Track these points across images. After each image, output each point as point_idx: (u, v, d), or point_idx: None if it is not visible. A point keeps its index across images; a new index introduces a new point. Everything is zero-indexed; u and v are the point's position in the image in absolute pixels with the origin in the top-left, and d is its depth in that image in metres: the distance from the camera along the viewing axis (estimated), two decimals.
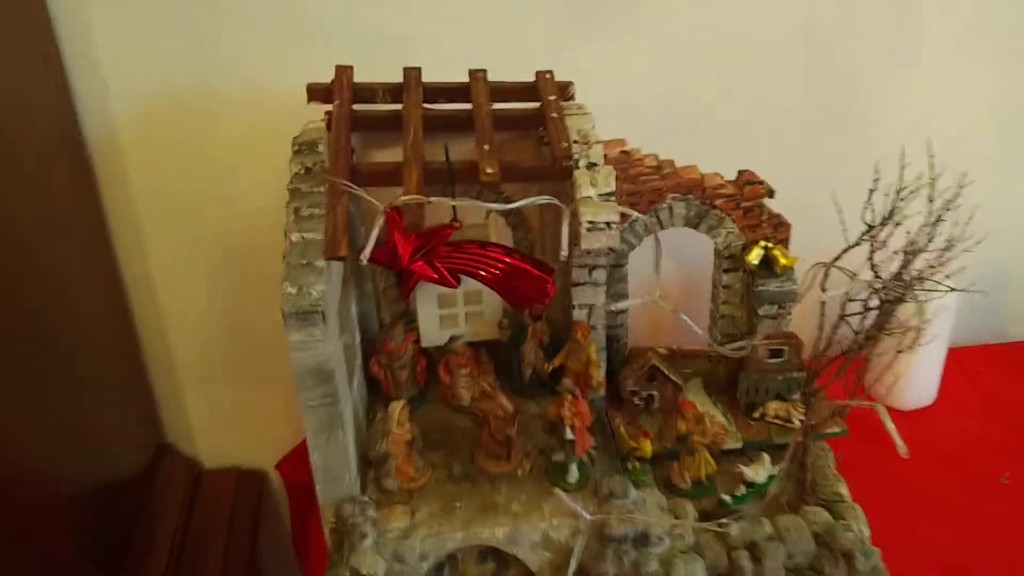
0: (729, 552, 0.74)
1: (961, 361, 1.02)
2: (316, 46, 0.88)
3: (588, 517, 0.72)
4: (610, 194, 0.71)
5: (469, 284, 0.83)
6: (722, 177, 0.87)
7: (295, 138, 0.75)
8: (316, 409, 0.69)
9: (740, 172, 0.87)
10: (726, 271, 0.90)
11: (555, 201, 0.70)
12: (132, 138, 0.93)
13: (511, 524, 0.73)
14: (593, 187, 0.70)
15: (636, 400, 0.87)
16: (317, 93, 0.77)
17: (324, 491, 0.73)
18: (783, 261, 0.86)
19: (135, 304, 1.03)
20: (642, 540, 0.72)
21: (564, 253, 0.70)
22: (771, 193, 0.87)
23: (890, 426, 0.69)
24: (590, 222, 0.70)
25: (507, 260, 0.76)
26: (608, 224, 0.70)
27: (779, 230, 0.88)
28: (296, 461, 1.05)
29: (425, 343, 0.88)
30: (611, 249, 0.73)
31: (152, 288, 1.03)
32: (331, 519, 0.74)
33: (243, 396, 1.12)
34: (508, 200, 0.75)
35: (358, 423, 0.80)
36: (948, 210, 0.74)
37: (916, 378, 0.96)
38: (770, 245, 0.87)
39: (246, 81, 0.92)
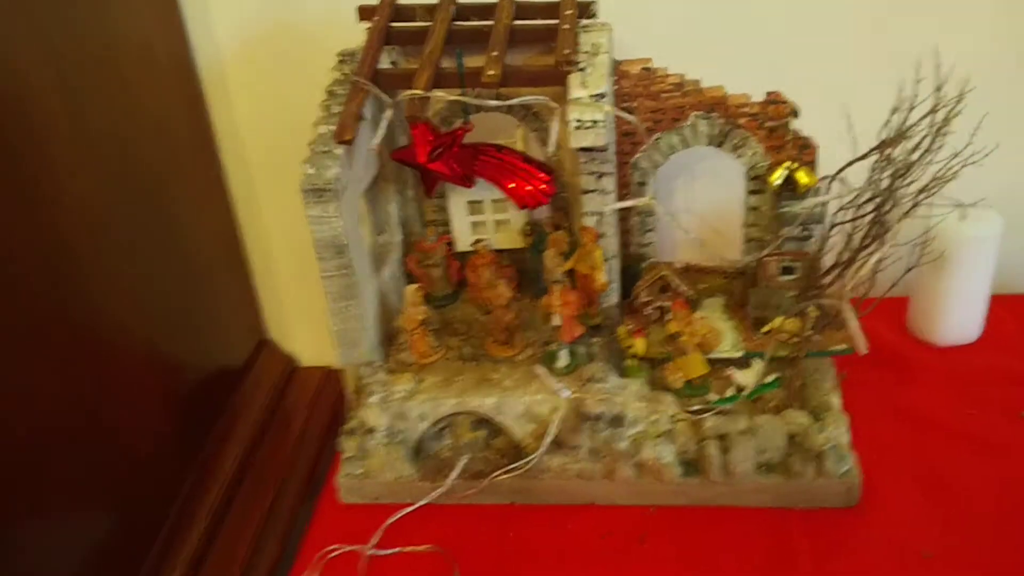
0: (700, 441, 0.78)
1: (1014, 305, 0.97)
2: None
3: (566, 394, 0.79)
4: (600, 95, 0.76)
5: (495, 190, 0.91)
6: (748, 97, 0.89)
7: (340, 51, 0.86)
8: (333, 279, 0.80)
9: (768, 93, 0.89)
10: (752, 192, 0.92)
11: (547, 100, 0.77)
12: (236, 65, 1.08)
13: (499, 396, 0.81)
14: (584, 88, 0.76)
15: (648, 311, 0.92)
16: (366, 12, 0.88)
17: (343, 355, 0.84)
18: (804, 180, 0.88)
19: (240, 215, 1.19)
20: (616, 420, 0.78)
21: (551, 149, 0.76)
22: (796, 113, 0.88)
23: (852, 323, 0.71)
24: (578, 120, 0.76)
25: (516, 163, 0.83)
26: (595, 123, 0.76)
27: (805, 152, 0.89)
28: None
29: (458, 247, 0.97)
30: (603, 150, 0.79)
31: (255, 201, 1.18)
32: (352, 381, 0.85)
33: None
34: (530, 107, 0.83)
35: (387, 304, 0.91)
36: (950, 119, 0.74)
37: (956, 313, 0.94)
38: (794, 166, 0.89)
39: (331, 9, 1.03)
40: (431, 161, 0.84)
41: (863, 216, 0.76)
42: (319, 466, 1.17)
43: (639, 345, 0.85)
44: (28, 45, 0.74)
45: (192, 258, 1.06)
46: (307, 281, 1.23)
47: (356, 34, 0.90)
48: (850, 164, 0.79)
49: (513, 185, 0.84)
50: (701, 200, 1.02)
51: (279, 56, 1.06)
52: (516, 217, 0.95)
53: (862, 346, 0.73)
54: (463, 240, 0.97)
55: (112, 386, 0.87)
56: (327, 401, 1.25)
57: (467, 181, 0.85)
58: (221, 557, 0.96)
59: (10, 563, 0.71)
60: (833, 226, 0.77)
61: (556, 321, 0.81)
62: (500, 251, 0.95)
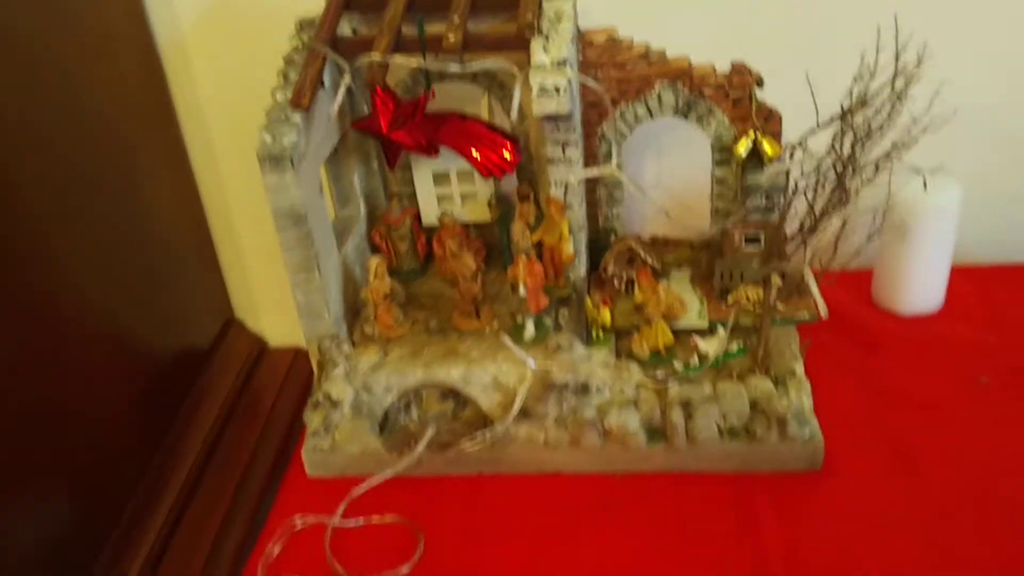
0: (664, 409, 0.78)
1: (973, 276, 0.98)
2: None
3: (533, 364, 0.79)
4: (563, 61, 0.76)
5: (461, 163, 0.90)
6: (713, 67, 0.89)
7: (299, 18, 0.85)
8: (293, 250, 0.79)
9: (732, 63, 0.89)
10: (718, 164, 0.92)
11: (508, 66, 0.76)
12: (196, 38, 1.06)
13: (466, 367, 0.80)
14: (546, 54, 0.76)
15: (615, 282, 0.92)
16: None
17: (307, 328, 0.83)
18: (770, 151, 0.88)
19: (204, 191, 1.17)
20: (582, 389, 0.78)
21: (514, 116, 0.76)
22: (760, 83, 0.88)
23: (814, 288, 0.71)
24: (541, 86, 0.75)
25: (481, 131, 0.83)
26: (558, 89, 0.75)
27: (770, 122, 0.89)
28: None
29: (425, 221, 0.96)
30: (567, 118, 0.78)
31: (219, 178, 1.16)
32: (315, 353, 0.84)
33: None
34: (495, 77, 0.83)
35: (351, 279, 0.90)
36: (909, 86, 0.74)
37: (918, 282, 0.94)
38: (759, 136, 0.89)
39: None
40: (393, 131, 0.83)
41: (825, 183, 0.76)
42: (288, 446, 1.16)
43: (605, 315, 0.85)
44: None
45: (156, 237, 1.04)
46: (275, 260, 1.21)
47: (316, 4, 0.89)
48: (812, 132, 0.79)
49: (477, 154, 0.83)
50: (668, 172, 1.02)
51: (240, 29, 1.04)
52: (483, 189, 0.94)
53: (822, 310, 0.74)
54: (429, 213, 0.96)
55: (74, 368, 0.86)
56: (297, 382, 1.24)
57: (431, 150, 0.84)
58: (187, 537, 0.95)
59: None
60: (795, 194, 0.77)
61: (522, 292, 0.81)
62: (467, 224, 0.95)
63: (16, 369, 0.76)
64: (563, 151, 0.85)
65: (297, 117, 0.76)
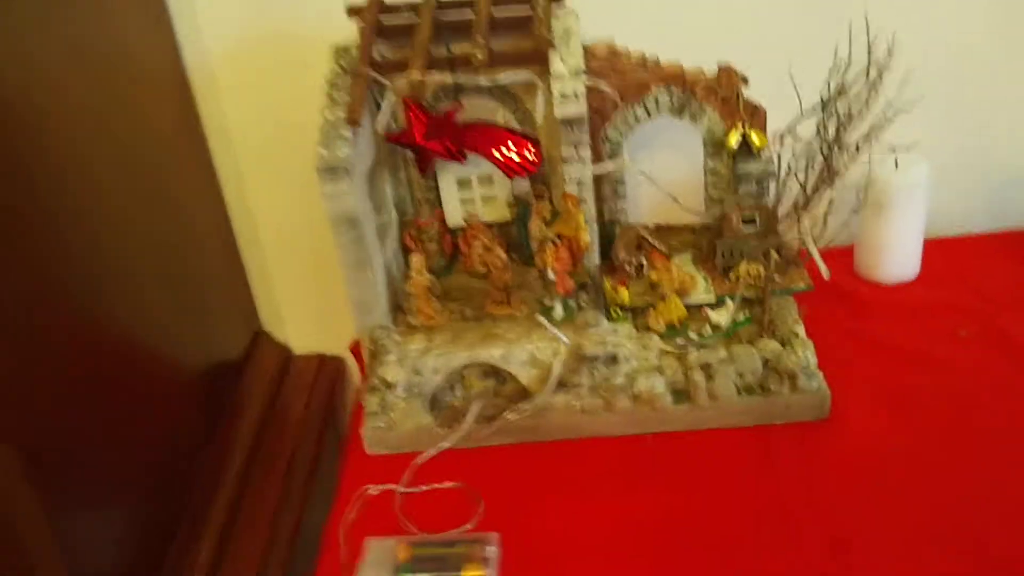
0: (686, 372, 0.88)
1: (945, 246, 1.10)
2: None
3: (565, 340, 0.88)
4: (578, 70, 0.86)
5: (482, 168, 1.00)
6: (702, 70, 1.00)
7: (335, 45, 0.94)
8: (348, 250, 0.88)
9: (719, 66, 1.00)
10: (711, 156, 1.03)
11: (532, 77, 0.86)
12: (224, 68, 1.15)
13: (505, 347, 0.90)
14: (563, 64, 0.86)
15: (627, 267, 1.02)
16: (354, 10, 0.96)
17: (359, 320, 0.92)
18: (757, 142, 0.99)
19: (233, 211, 1.25)
20: (611, 360, 0.88)
21: (539, 119, 0.86)
22: (745, 81, 0.99)
23: (814, 252, 0.81)
24: (561, 93, 0.85)
25: (504, 135, 0.92)
26: (576, 94, 0.85)
27: (755, 116, 1.00)
28: None
29: (450, 223, 1.05)
30: (582, 120, 0.88)
31: (245, 198, 1.24)
32: (368, 343, 0.93)
33: (324, 293, 1.33)
34: (508, 91, 0.93)
35: (392, 279, 0.98)
36: (881, 75, 0.85)
37: (896, 253, 1.06)
38: (747, 128, 0.99)
39: (313, 17, 1.11)
40: (426, 140, 0.92)
41: (814, 164, 0.87)
42: (323, 448, 1.24)
43: (623, 294, 0.94)
44: (32, 57, 0.77)
45: (189, 255, 1.09)
46: (298, 274, 1.31)
47: (331, 36, 0.97)
48: (798, 120, 0.90)
49: (502, 156, 0.93)
50: (665, 167, 1.13)
51: (267, 57, 1.13)
52: (501, 192, 1.04)
53: (823, 270, 0.84)
54: (454, 216, 1.05)
55: (118, 384, 0.88)
56: (323, 387, 1.31)
57: (459, 156, 0.94)
58: (240, 545, 1.01)
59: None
60: (788, 174, 0.88)
61: (551, 276, 0.90)
62: (489, 223, 1.04)
63: (63, 393, 0.77)
64: (576, 151, 0.95)
65: (348, 132, 0.85)
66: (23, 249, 0.72)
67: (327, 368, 1.34)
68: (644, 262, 1.01)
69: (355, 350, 1.28)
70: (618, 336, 0.89)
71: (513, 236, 1.06)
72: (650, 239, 0.99)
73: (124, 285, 0.90)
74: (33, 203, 0.75)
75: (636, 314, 0.96)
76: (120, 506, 0.84)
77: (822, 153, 0.87)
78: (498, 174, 1.02)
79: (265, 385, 1.25)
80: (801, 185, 0.87)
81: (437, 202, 1.06)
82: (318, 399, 1.28)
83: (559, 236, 0.96)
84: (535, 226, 1.03)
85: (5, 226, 0.70)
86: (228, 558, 0.98)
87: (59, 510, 0.74)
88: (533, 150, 0.92)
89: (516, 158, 0.92)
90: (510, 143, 0.92)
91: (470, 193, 1.04)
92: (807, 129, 0.90)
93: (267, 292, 1.31)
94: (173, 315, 1.02)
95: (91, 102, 0.88)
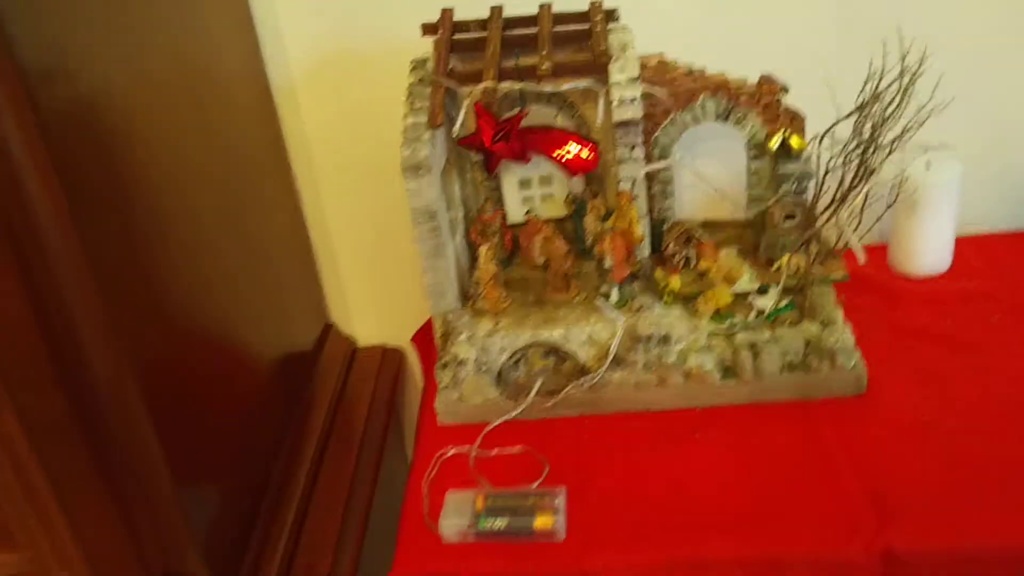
0: (734, 350, 0.96)
1: (976, 243, 1.17)
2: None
3: (622, 320, 0.97)
4: (635, 79, 0.95)
5: (542, 169, 1.10)
6: (746, 79, 1.09)
7: (412, 59, 1.05)
8: (427, 240, 0.98)
9: (762, 75, 1.09)
10: (753, 158, 1.12)
11: (592, 84, 0.96)
12: (304, 82, 1.26)
13: (565, 328, 0.99)
14: (621, 73, 0.95)
15: (676, 259, 1.10)
16: (429, 28, 1.07)
17: (435, 304, 1.02)
18: (797, 145, 1.07)
19: (308, 214, 1.35)
20: (664, 339, 0.96)
21: (600, 122, 0.95)
22: (786, 90, 1.08)
23: (853, 240, 0.89)
24: (619, 98, 0.95)
25: (564, 137, 1.02)
26: (633, 99, 0.95)
27: (795, 121, 1.09)
28: (425, 333, 1.35)
29: (511, 220, 1.15)
30: (637, 124, 0.98)
31: (319, 199, 1.35)
32: (441, 327, 1.03)
33: (386, 291, 1.43)
34: (566, 99, 1.03)
35: (460, 268, 1.08)
36: (914, 81, 0.93)
37: (928, 248, 1.13)
38: (788, 133, 1.08)
39: (387, 34, 1.22)
40: (495, 143, 1.02)
41: (851, 161, 0.95)
42: (388, 435, 1.33)
43: (674, 282, 1.03)
44: (125, 69, 0.81)
45: (272, 256, 1.19)
46: (365, 271, 1.41)
47: (406, 54, 1.07)
48: (837, 123, 0.98)
49: (562, 156, 1.02)
50: (711, 169, 1.21)
51: (342, 74, 1.24)
52: (559, 191, 1.13)
53: (860, 256, 0.92)
54: (515, 213, 1.15)
55: (215, 364, 0.95)
56: (387, 376, 1.41)
57: (523, 157, 1.03)
58: (319, 511, 1.10)
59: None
60: (827, 172, 0.96)
61: (608, 264, 0.99)
62: (548, 220, 1.13)
63: (156, 383, 0.81)
64: (631, 151, 1.05)
65: (427, 135, 0.95)
66: (120, 250, 0.77)
67: (389, 359, 1.44)
68: (692, 255, 1.09)
69: (416, 341, 1.38)
70: (670, 318, 0.97)
71: (569, 232, 1.15)
72: (698, 233, 1.08)
73: (219, 278, 0.99)
74: (131, 206, 0.80)
75: (686, 301, 1.05)
76: (222, 467, 0.94)
77: (858, 153, 0.95)
78: (557, 175, 1.11)
79: (335, 372, 1.35)
80: (839, 181, 0.96)
81: (500, 201, 1.16)
82: (382, 387, 1.38)
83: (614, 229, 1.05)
84: (590, 221, 1.12)
85: (107, 228, 0.76)
86: (308, 523, 1.08)
87: (178, 468, 0.83)
88: (591, 150, 1.01)
89: (575, 157, 1.01)
90: (570, 144, 1.01)
91: (530, 192, 1.14)
92: (844, 131, 0.98)
93: (336, 289, 1.42)
94: (258, 307, 1.10)
95: (189, 107, 0.97)
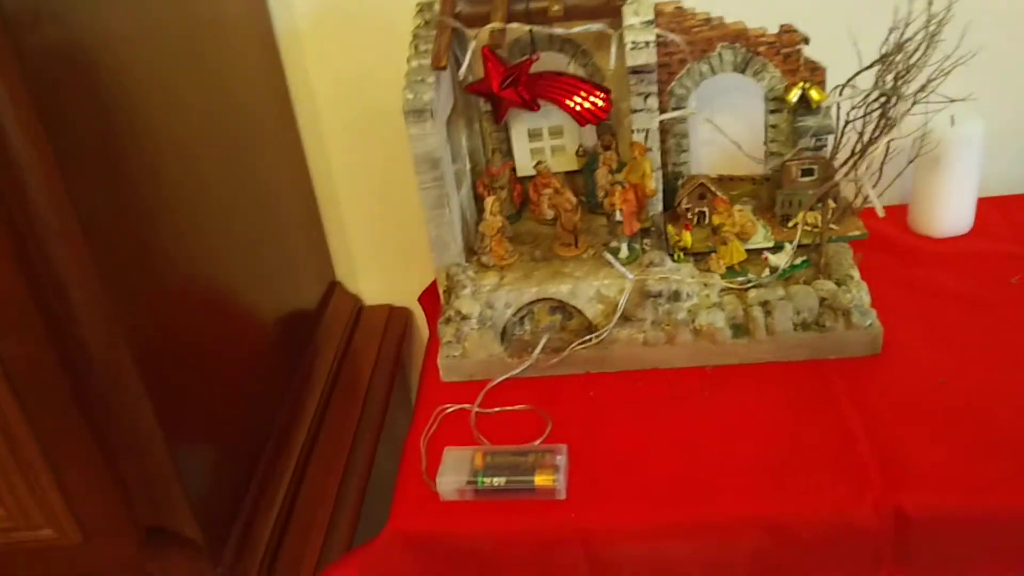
0: (746, 308, 0.93)
1: (999, 204, 1.13)
2: None
3: (631, 276, 0.94)
4: (649, 22, 0.91)
5: (552, 120, 1.06)
6: (765, 29, 1.04)
7: (418, 1, 1.01)
8: (429, 190, 0.95)
9: (781, 25, 1.04)
10: (772, 112, 1.07)
11: (605, 27, 0.92)
12: (310, 36, 1.22)
13: (573, 283, 0.96)
14: (636, 16, 0.91)
15: (689, 215, 1.07)
16: None
17: (438, 257, 0.99)
18: (816, 97, 1.03)
19: (313, 170, 1.32)
20: (674, 296, 0.93)
21: (612, 66, 0.91)
22: (806, 41, 1.03)
23: (871, 194, 0.86)
24: (633, 42, 0.91)
25: (576, 84, 0.98)
26: (647, 43, 0.91)
27: (815, 73, 1.04)
28: (432, 293, 1.33)
29: (520, 172, 1.12)
30: (651, 71, 0.94)
31: (325, 152, 1.31)
32: (444, 282, 1.00)
33: (393, 249, 1.40)
34: (579, 46, 0.99)
35: (466, 223, 1.05)
36: (941, 27, 0.89)
37: (949, 207, 1.09)
38: (807, 85, 1.04)
39: None
40: (503, 89, 0.99)
41: (872, 112, 0.91)
42: (392, 388, 1.32)
43: (687, 237, 1.00)
44: (117, 12, 0.78)
45: (271, 207, 1.16)
46: (371, 228, 1.38)
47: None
48: (858, 73, 0.94)
49: (574, 104, 0.98)
50: (728, 121, 1.17)
51: (349, 19, 1.20)
52: (570, 143, 1.10)
53: (879, 210, 0.88)
54: (524, 165, 1.11)
55: (217, 319, 0.94)
56: (393, 335, 1.39)
57: (533, 105, 1.00)
58: (320, 466, 1.08)
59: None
60: (847, 123, 0.92)
61: (618, 217, 0.96)
62: (557, 173, 1.10)
63: (164, 334, 0.81)
64: (645, 101, 1.01)
65: (431, 78, 0.92)
66: (122, 209, 0.76)
67: (396, 317, 1.42)
68: (706, 211, 1.06)
69: (423, 300, 1.36)
70: (681, 274, 0.94)
71: (580, 186, 1.12)
72: (712, 187, 1.04)
73: (218, 233, 0.97)
74: (137, 151, 0.79)
75: (698, 258, 1.01)
76: (218, 422, 0.93)
77: (879, 104, 0.91)
78: (568, 125, 1.08)
79: (340, 329, 1.33)
80: (859, 134, 0.92)
81: (508, 153, 1.12)
82: (388, 345, 1.36)
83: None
84: (602, 175, 1.09)
85: (112, 175, 0.74)
86: (307, 477, 1.06)
87: (170, 421, 0.80)
88: (603, 98, 0.97)
89: (587, 105, 0.97)
90: (582, 92, 0.98)
91: (540, 143, 1.10)
92: (865, 82, 0.94)
93: (342, 246, 1.39)
94: (260, 264, 1.08)
95: (187, 54, 0.93)
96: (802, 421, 0.86)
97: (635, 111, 1.00)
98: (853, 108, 0.92)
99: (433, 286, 1.26)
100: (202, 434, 0.87)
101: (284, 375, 1.12)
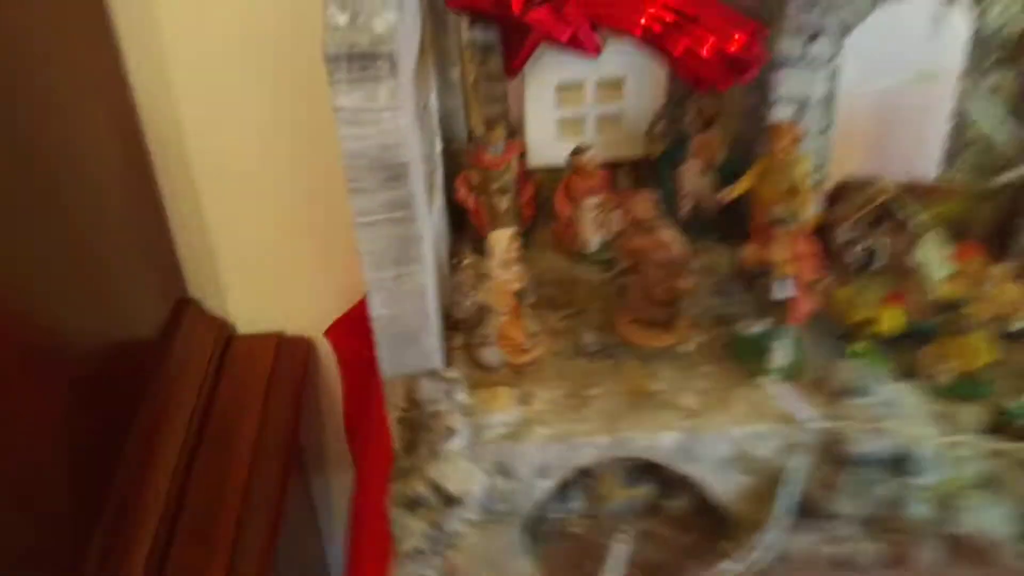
0: None
1: None
2: None
3: (810, 417, 0.44)
4: None
5: (605, 67, 0.54)
6: None
7: None
8: (377, 227, 0.42)
9: None
10: (991, 68, 0.59)
11: None
12: None
13: (684, 427, 0.45)
14: None
15: (854, 254, 0.58)
16: None
17: (390, 359, 0.46)
18: None
19: (151, 136, 0.79)
20: (901, 463, 0.44)
21: None
22: None
23: None
24: None
25: (688, 5, 0.46)
26: None
27: None
28: (351, 326, 0.81)
29: (535, 160, 0.59)
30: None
31: (177, 121, 0.78)
32: (400, 403, 0.47)
33: (285, 248, 0.87)
34: None
35: (440, 264, 0.52)
36: None
37: None
38: None
39: None
40: (528, 10, 0.45)
41: None
42: (289, 476, 0.81)
43: (891, 318, 0.50)
44: None
45: (74, 197, 0.68)
46: (244, 226, 0.86)
47: None
48: None
49: (682, 43, 0.46)
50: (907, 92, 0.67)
51: None
52: (636, 108, 0.58)
53: None
54: (543, 148, 0.59)
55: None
56: (285, 380, 0.92)
57: (589, 42, 0.47)
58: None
59: None
60: None
61: (781, 292, 0.46)
62: (611, 165, 0.58)
63: None
64: (806, 44, 0.50)
65: None
66: None
67: (288, 355, 0.91)
68: (879, 248, 0.57)
69: (333, 336, 0.87)
70: (906, 413, 0.45)
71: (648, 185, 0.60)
72: (905, 210, 0.55)
73: None
74: None
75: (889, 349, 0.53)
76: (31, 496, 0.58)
77: None
78: (634, 81, 0.55)
79: (198, 368, 0.86)
80: None
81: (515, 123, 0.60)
82: (277, 405, 0.86)
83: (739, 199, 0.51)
84: (690, 174, 0.58)
85: None
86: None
87: None
88: (751, 33, 0.45)
89: (713, 46, 0.45)
90: (701, 19, 0.45)
91: (580, 110, 0.58)
92: None
93: (200, 251, 0.86)
94: (53, 283, 0.66)
95: None
96: None
97: (784, 63, 0.49)
98: None
99: (350, 315, 0.86)
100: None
101: (114, 440, 0.73)
